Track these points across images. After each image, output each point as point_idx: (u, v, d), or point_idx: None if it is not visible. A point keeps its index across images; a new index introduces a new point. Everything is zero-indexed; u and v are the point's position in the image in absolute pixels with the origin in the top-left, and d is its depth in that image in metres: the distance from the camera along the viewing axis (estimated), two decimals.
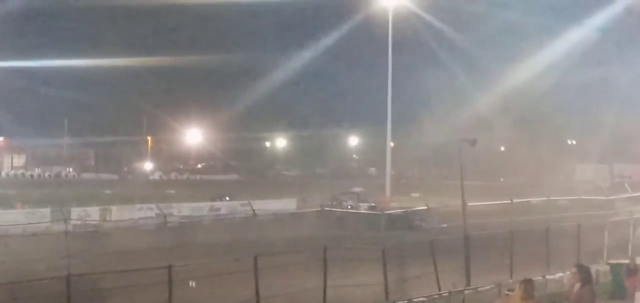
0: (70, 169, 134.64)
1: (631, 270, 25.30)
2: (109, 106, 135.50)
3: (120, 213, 55.72)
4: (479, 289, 26.92)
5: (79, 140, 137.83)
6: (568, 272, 19.87)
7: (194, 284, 23.83)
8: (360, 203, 59.62)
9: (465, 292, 26.56)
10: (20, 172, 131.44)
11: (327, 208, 57.26)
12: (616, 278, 29.07)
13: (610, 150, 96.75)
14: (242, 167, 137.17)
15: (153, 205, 56.00)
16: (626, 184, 66.13)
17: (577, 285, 17.92)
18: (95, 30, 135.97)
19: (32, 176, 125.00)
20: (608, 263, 30.63)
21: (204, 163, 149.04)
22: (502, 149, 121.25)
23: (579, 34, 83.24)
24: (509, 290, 22.59)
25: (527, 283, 16.37)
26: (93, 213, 54.88)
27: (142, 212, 55.98)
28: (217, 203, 64.83)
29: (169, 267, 21.15)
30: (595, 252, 33.40)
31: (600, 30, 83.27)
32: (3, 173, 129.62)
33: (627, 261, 27.12)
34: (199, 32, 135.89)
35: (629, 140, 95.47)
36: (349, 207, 58.44)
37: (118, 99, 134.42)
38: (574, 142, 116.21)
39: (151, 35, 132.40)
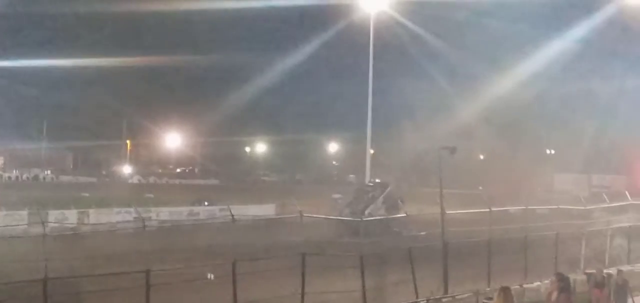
0: (49, 172, 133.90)
1: (598, 283, 24.89)
2: (88, 109, 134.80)
3: (98, 217, 55.49)
4: (457, 297, 27.00)
5: (58, 142, 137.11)
6: (547, 281, 20.04)
7: (212, 276, 23.77)
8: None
9: (443, 300, 26.63)
10: None
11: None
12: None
13: (589, 160, 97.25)
14: (221, 171, 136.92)
15: (131, 209, 55.82)
16: (604, 194, 66.47)
17: (555, 294, 18.12)
18: (75, 31, 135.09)
19: (9, 178, 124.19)
20: (585, 273, 30.81)
21: (183, 168, 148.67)
22: (482, 157, 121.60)
23: (560, 45, 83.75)
24: (487, 299, 22.70)
25: (505, 291, 16.46)
26: (71, 216, 54.61)
27: (121, 216, 55.76)
28: (196, 208, 64.72)
29: (147, 271, 21.08)
30: (572, 261, 33.58)
31: (582, 41, 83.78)
32: None
33: (593, 271, 26.99)
34: (180, 36, 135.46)
35: (608, 151, 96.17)
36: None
37: (97, 101, 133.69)
38: (553, 152, 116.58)
39: (131, 37, 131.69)
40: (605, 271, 26.46)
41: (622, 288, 24.89)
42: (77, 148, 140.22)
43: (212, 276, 23.69)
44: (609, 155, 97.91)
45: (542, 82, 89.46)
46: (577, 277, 28.15)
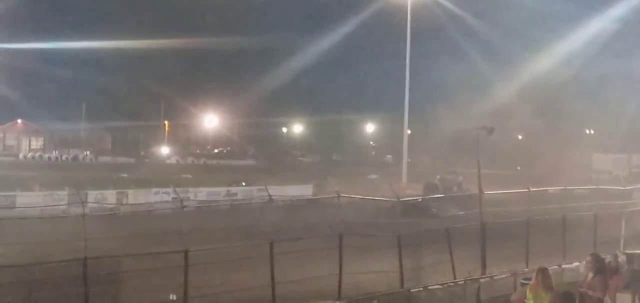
0: (88, 152, 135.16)
1: (612, 269, 22.26)
2: (127, 90, 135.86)
3: (136, 197, 55.99)
4: (495, 277, 26.88)
5: (97, 123, 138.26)
6: (585, 262, 19.88)
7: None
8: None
9: (481, 280, 26.51)
10: (37, 154, 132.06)
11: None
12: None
13: (629, 140, 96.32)
14: (258, 152, 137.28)
15: (170, 189, 56.16)
16: None
17: (590, 275, 17.99)
18: (113, 12, 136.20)
19: (49, 159, 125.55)
20: (625, 253, 30.54)
21: (220, 148, 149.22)
22: (520, 137, 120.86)
23: (599, 24, 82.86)
24: (525, 279, 22.56)
25: (544, 272, 16.41)
26: (110, 196, 55.16)
27: (159, 196, 56.21)
28: (234, 188, 64.98)
29: (185, 251, 21.21)
30: (611, 241, 33.29)
31: (620, 20, 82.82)
32: (21, 156, 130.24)
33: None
34: (218, 16, 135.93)
35: None
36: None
37: (136, 82, 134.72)
38: (592, 132, 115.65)
39: (169, 18, 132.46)
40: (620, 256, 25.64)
41: (637, 274, 23.92)
42: (115, 129, 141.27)
43: None
44: None
45: (580, 62, 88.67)
46: (622, 257, 27.87)
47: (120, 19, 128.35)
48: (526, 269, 26.61)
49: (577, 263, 27.55)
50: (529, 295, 16.63)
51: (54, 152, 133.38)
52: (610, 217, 36.36)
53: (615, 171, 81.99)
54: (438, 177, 67.14)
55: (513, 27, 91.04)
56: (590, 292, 17.60)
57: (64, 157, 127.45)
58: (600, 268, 17.99)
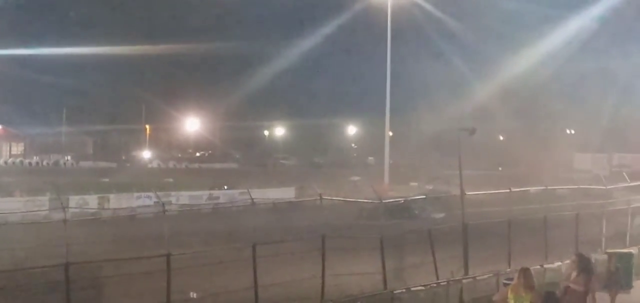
0: (69, 157, 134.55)
1: (584, 269, 20.76)
2: (107, 94, 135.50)
3: (118, 202, 55.85)
4: (477, 278, 26.96)
5: (77, 128, 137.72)
6: (568, 261, 19.95)
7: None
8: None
9: (464, 281, 26.59)
10: (18, 160, 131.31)
11: None
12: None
13: (609, 139, 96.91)
14: (240, 155, 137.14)
15: (151, 194, 56.06)
16: (624, 173, 66.07)
17: (574, 273, 18.11)
18: (94, 16, 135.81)
19: (30, 164, 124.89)
20: (606, 253, 30.74)
21: (202, 152, 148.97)
22: (501, 138, 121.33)
23: (578, 23, 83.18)
24: (507, 280, 22.65)
25: (526, 272, 16.47)
26: (91, 201, 55.00)
27: (141, 200, 56.12)
28: (216, 192, 64.91)
29: (168, 255, 21.19)
30: (593, 241, 33.48)
31: (599, 19, 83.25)
32: (1, 161, 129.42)
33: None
34: (198, 20, 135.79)
35: (628, 129, 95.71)
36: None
37: (116, 87, 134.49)
38: (573, 132, 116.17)
39: (149, 22, 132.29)
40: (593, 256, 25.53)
41: (615, 275, 23.49)
42: (96, 133, 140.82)
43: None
44: (629, 134, 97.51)
45: (560, 62, 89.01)
46: (597, 257, 28.04)
47: (101, 23, 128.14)
48: (508, 269, 26.72)
49: (558, 263, 27.72)
50: (510, 295, 16.67)
51: (34, 157, 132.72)
52: (592, 216, 36.55)
53: (596, 170, 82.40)
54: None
55: (493, 28, 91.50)
56: (573, 286, 17.72)
57: (44, 163, 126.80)
58: (585, 267, 18.11)
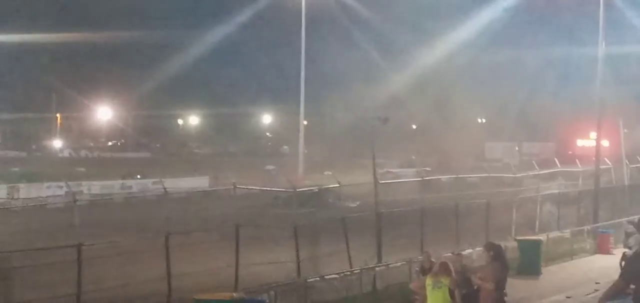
0: None
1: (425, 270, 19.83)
2: (17, 82, 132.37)
3: (28, 192, 54.74)
4: (390, 265, 27.29)
5: None
6: (479, 248, 20.24)
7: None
8: None
9: (377, 268, 26.87)
10: None
11: None
12: (524, 254, 29.90)
13: (519, 128, 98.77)
14: (153, 144, 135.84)
15: (62, 183, 55.11)
16: (534, 162, 67.56)
17: (487, 262, 18.36)
18: (1, 2, 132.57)
19: None
20: (516, 240, 31.38)
21: (114, 141, 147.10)
22: (414, 127, 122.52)
23: (489, 14, 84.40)
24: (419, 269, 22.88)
25: (445, 266, 17.35)
26: (0, 191, 53.79)
27: (51, 190, 55.13)
28: (129, 181, 64.18)
29: (79, 246, 20.85)
30: (503, 228, 34.14)
31: (510, 10, 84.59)
32: None
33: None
34: (109, 7, 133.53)
35: (537, 118, 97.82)
36: None
37: (26, 75, 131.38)
38: (484, 121, 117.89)
39: (61, 8, 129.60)
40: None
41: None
42: (5, 122, 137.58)
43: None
44: (538, 123, 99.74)
45: (472, 51, 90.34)
46: (508, 244, 28.59)
47: (9, 10, 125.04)
48: (420, 257, 27.05)
49: (470, 250, 28.16)
50: (428, 280, 17.30)
51: None
52: (502, 204, 37.27)
53: (506, 159, 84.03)
54: None
55: (406, 18, 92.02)
56: (479, 282, 17.90)
57: None
58: (496, 255, 18.24)
